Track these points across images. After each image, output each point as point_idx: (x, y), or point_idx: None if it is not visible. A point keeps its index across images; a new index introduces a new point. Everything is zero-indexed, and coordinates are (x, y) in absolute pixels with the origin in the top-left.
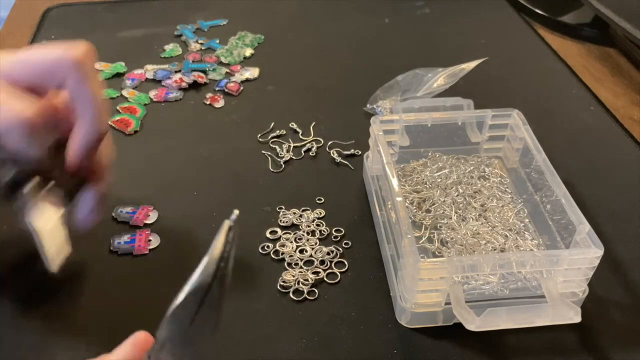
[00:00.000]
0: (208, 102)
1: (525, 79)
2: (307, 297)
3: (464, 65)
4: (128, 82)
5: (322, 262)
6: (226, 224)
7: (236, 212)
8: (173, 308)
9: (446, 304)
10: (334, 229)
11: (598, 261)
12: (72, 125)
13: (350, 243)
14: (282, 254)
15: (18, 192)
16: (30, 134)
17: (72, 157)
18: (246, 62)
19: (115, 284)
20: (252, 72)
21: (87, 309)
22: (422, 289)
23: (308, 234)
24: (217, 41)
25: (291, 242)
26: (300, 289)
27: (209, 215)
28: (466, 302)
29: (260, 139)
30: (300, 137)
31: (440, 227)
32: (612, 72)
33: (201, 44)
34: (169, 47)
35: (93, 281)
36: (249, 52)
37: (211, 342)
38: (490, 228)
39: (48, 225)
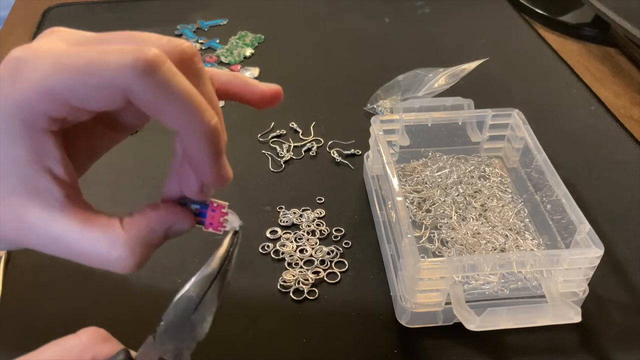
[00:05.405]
0: None
1: (525, 79)
2: (307, 297)
3: (464, 66)
4: None
5: (322, 261)
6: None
7: (241, 223)
8: (180, 294)
9: (446, 303)
10: (334, 229)
11: (598, 261)
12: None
13: (350, 243)
14: (282, 253)
15: None
16: None
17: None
18: (246, 61)
19: (117, 285)
20: (252, 72)
21: (86, 308)
22: (422, 289)
23: (308, 233)
24: (218, 41)
25: (291, 241)
26: (301, 288)
27: None
28: (466, 302)
29: (261, 139)
30: (301, 136)
31: (441, 226)
32: (612, 72)
33: (201, 43)
34: None
35: (94, 280)
36: (249, 51)
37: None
38: (490, 228)
39: None
